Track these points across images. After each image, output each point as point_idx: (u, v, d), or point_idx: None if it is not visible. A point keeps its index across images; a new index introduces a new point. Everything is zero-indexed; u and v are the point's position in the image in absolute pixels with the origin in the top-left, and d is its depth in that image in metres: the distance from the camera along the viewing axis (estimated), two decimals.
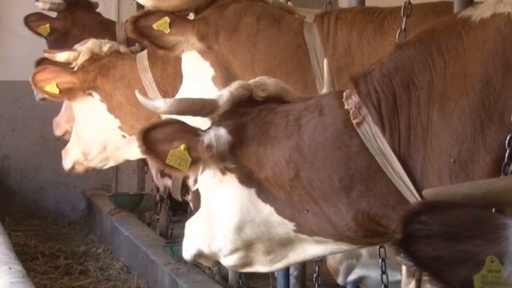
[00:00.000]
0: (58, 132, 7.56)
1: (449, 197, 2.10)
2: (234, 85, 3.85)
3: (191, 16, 5.35)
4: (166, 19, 5.24)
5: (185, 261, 4.48)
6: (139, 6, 7.20)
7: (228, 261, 3.90)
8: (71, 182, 8.67)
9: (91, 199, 10.04)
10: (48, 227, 9.94)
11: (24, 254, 6.86)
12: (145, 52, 6.83)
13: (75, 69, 6.86)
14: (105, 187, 9.99)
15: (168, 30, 5.24)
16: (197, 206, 4.51)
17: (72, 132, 7.31)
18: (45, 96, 7.06)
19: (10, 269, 5.63)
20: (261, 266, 3.92)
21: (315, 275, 5.31)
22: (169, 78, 6.51)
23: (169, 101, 4.01)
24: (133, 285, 7.76)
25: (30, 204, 10.31)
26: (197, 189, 4.45)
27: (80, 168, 7.08)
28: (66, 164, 7.06)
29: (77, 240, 9.54)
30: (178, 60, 5.48)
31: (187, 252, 3.98)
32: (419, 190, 3.42)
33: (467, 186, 2.21)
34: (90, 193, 10.09)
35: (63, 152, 7.08)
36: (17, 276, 5.49)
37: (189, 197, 4.76)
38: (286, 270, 5.94)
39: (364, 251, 4.90)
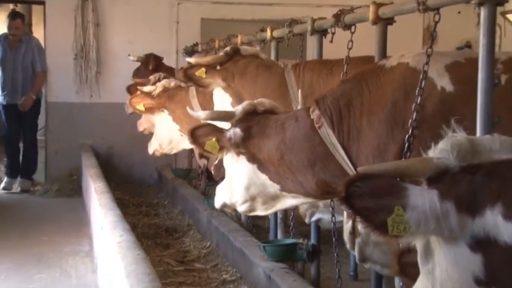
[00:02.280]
0: (140, 128, 7.62)
1: (373, 171, 2.08)
2: (244, 103, 3.85)
3: (218, 67, 5.37)
4: (203, 69, 5.27)
5: (216, 209, 4.45)
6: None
7: (241, 208, 3.88)
8: (148, 161, 8.65)
9: (161, 172, 10.01)
10: (136, 188, 9.92)
11: (121, 204, 6.86)
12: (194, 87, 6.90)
13: (154, 95, 6.91)
14: (169, 165, 9.95)
15: (205, 76, 5.28)
16: (217, 173, 4.50)
17: (148, 129, 7.39)
18: (135, 111, 7.11)
19: (113, 213, 5.64)
20: (260, 212, 3.91)
21: (291, 217, 5.30)
22: (207, 102, 6.46)
23: (206, 112, 4.07)
24: (185, 223, 7.73)
25: (125, 174, 10.28)
26: (217, 163, 4.45)
27: (157, 153, 7.14)
28: (150, 150, 7.12)
29: (152, 196, 9.52)
30: (211, 92, 5.52)
31: (217, 203, 3.97)
32: (355, 167, 3.39)
33: (384, 165, 2.19)
34: (160, 168, 10.04)
35: (149, 144, 7.13)
36: (117, 217, 5.48)
37: (212, 167, 4.76)
38: (275, 214, 5.92)
39: (321, 203, 4.87)
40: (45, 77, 9.90)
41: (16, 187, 9.84)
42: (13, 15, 9.72)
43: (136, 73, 9.10)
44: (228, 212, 6.54)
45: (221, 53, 5.54)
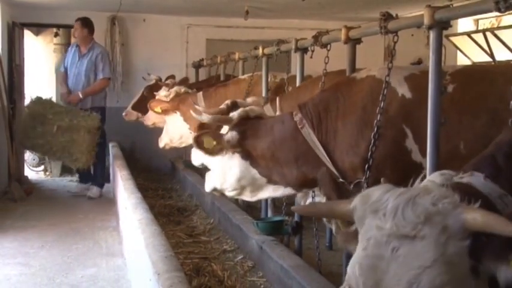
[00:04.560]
0: (149, 123, 7.46)
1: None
2: (239, 110, 3.76)
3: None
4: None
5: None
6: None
7: (229, 194, 3.81)
8: (164, 154, 8.54)
9: (174, 163, 9.89)
10: (153, 176, 9.79)
11: (142, 189, 6.74)
12: (201, 92, 6.82)
13: (169, 100, 6.82)
14: (180, 157, 9.82)
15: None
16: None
17: (157, 123, 7.24)
18: (151, 111, 6.97)
19: (135, 196, 5.57)
20: (246, 198, 3.81)
21: (283, 199, 5.09)
22: (212, 106, 6.39)
23: (209, 117, 3.91)
24: (193, 204, 7.62)
25: (145, 165, 10.16)
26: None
27: (167, 147, 6.96)
28: (161, 144, 6.92)
29: (167, 183, 9.41)
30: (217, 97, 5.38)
31: (208, 188, 3.89)
32: (332, 160, 3.35)
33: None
34: (173, 160, 9.91)
35: (159, 139, 6.96)
36: (138, 199, 5.42)
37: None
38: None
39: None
40: (105, 83, 8.55)
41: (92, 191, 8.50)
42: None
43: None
44: (217, 195, 6.46)
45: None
